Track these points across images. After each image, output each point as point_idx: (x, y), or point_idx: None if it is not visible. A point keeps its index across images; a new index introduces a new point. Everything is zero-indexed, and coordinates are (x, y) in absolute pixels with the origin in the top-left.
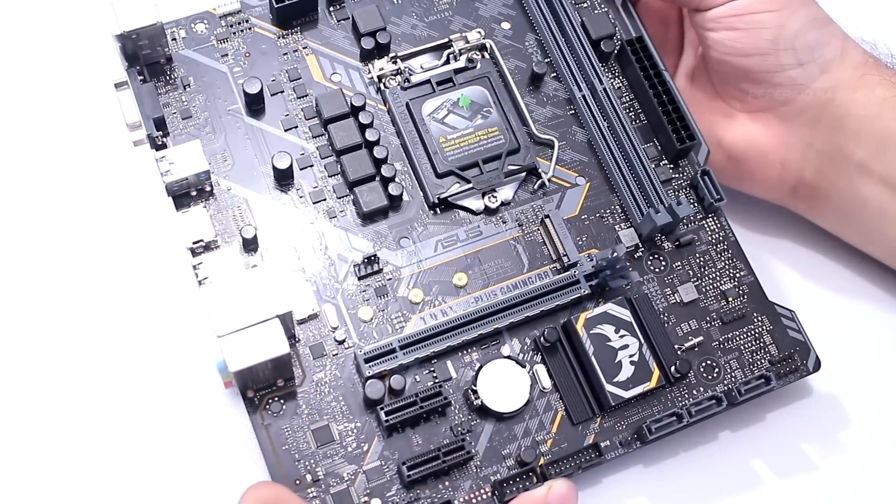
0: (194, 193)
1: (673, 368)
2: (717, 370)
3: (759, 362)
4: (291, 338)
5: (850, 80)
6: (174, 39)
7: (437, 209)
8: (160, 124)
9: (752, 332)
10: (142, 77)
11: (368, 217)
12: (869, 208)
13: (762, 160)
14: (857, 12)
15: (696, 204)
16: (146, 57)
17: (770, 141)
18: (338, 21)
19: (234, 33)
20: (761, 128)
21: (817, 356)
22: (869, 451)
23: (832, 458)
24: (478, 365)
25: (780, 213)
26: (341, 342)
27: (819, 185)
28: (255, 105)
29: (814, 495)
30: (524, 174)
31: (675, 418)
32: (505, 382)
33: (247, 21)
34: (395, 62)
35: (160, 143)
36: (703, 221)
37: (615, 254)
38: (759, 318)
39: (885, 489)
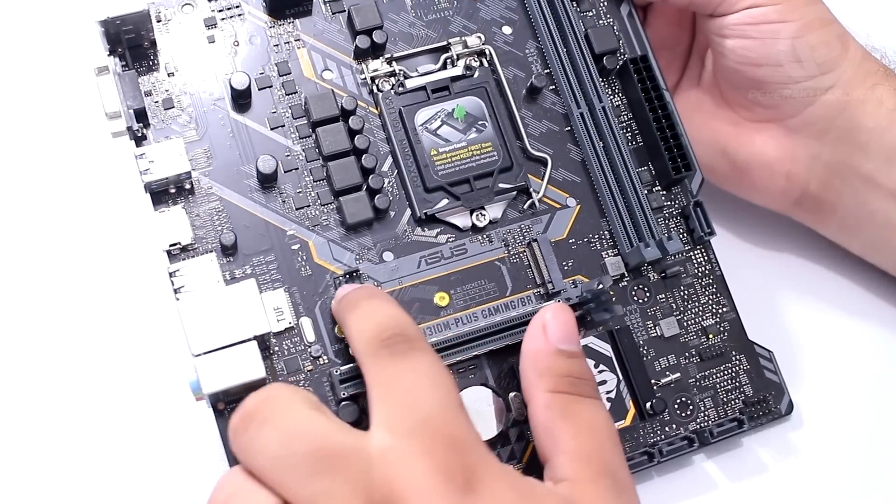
0: (173, 191)
1: (649, 405)
2: (691, 407)
3: (733, 402)
4: (266, 350)
5: (860, 90)
6: (159, 21)
7: (423, 224)
8: (141, 115)
9: (730, 371)
10: (124, 63)
11: (352, 228)
12: (876, 221)
13: (767, 171)
14: (867, 21)
15: (685, 235)
16: (129, 41)
17: (776, 152)
18: (333, 13)
19: (223, 19)
20: (768, 139)
21: (790, 400)
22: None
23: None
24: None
25: (785, 223)
26: (317, 358)
27: (824, 197)
28: (241, 100)
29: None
30: (515, 193)
31: (646, 457)
32: (480, 410)
33: (237, 7)
34: (390, 63)
35: (140, 134)
36: (691, 253)
37: (600, 286)
38: (738, 357)
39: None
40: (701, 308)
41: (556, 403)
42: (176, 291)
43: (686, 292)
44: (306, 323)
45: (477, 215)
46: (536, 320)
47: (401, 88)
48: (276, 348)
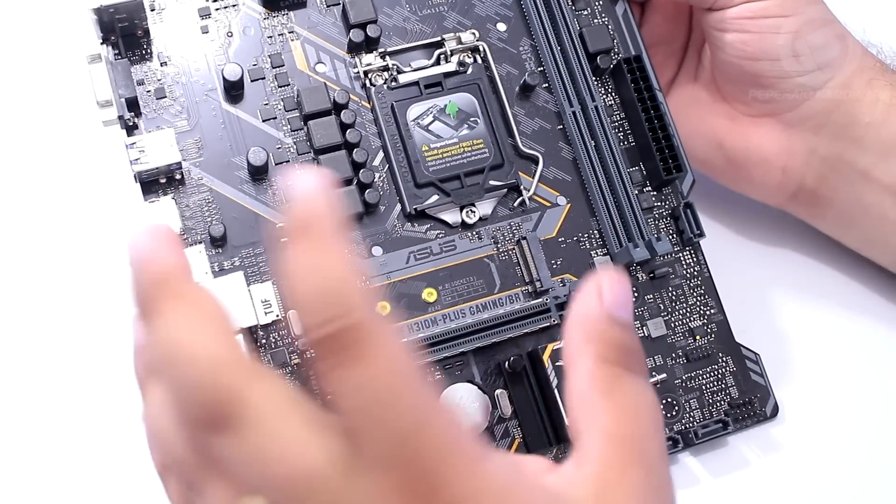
0: (163, 181)
1: None
2: (676, 408)
3: (718, 403)
4: (253, 342)
5: (857, 86)
6: (153, 10)
7: (413, 220)
8: (132, 105)
9: (716, 373)
10: (116, 51)
11: None
12: (871, 215)
13: (764, 166)
14: (863, 16)
15: (675, 236)
16: (122, 29)
17: (773, 147)
18: (327, 6)
19: (218, 9)
20: (764, 133)
21: (776, 402)
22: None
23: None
24: (440, 387)
25: (780, 217)
26: (304, 351)
27: (821, 191)
28: (233, 91)
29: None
30: (505, 191)
31: None
32: (466, 406)
33: None
34: (383, 58)
35: (132, 123)
36: (680, 254)
37: None
38: (724, 359)
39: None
40: (689, 309)
41: (602, 374)
42: None
43: (674, 293)
44: (294, 316)
45: (467, 212)
46: (591, 284)
47: (393, 83)
48: (264, 341)
